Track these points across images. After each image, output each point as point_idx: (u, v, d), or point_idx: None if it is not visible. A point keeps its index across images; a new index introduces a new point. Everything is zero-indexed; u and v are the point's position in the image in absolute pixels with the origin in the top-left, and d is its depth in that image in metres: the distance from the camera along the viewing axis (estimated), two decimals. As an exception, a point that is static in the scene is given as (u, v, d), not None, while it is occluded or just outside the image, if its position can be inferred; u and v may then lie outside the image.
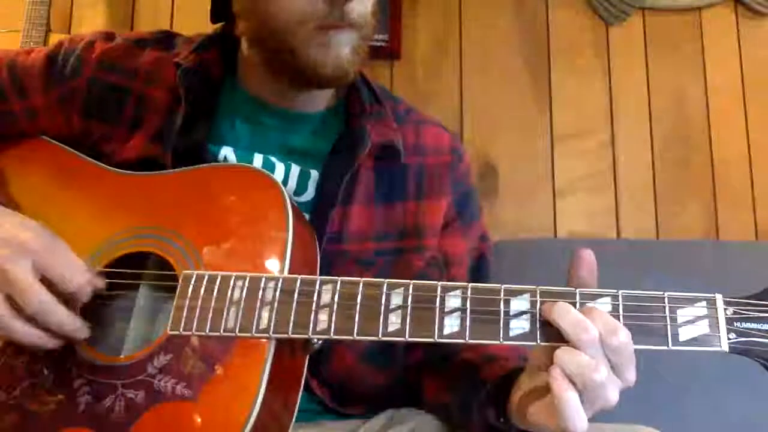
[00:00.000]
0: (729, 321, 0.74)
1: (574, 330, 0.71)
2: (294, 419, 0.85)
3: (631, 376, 0.73)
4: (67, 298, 0.85)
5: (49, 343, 0.84)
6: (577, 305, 0.74)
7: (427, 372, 1.05)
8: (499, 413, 0.85)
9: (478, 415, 0.89)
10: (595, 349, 0.71)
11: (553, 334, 0.73)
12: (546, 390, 0.74)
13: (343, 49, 0.94)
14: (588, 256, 0.77)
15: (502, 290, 0.76)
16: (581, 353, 0.70)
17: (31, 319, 0.82)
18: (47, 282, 0.83)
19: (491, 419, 0.86)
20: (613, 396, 0.72)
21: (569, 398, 0.70)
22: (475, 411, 0.89)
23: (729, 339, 0.73)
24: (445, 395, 1.00)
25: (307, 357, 0.86)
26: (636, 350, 0.73)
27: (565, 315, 0.72)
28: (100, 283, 0.88)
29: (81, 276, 0.86)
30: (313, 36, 0.93)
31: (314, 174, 1.04)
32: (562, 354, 0.71)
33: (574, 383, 0.70)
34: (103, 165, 1.02)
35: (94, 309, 0.90)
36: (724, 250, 1.93)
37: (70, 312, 0.84)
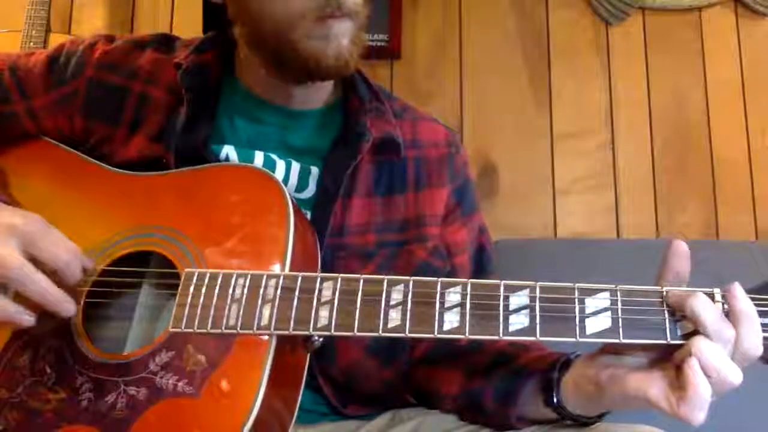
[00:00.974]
0: (727, 315, 0.73)
1: (714, 325, 0.71)
2: (295, 417, 0.86)
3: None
4: (58, 280, 0.86)
5: (26, 317, 0.84)
6: (576, 300, 0.75)
7: (444, 364, 1.05)
8: (551, 397, 0.86)
9: (528, 400, 0.90)
10: (728, 348, 0.72)
11: (551, 328, 0.74)
12: (641, 369, 0.76)
13: (342, 40, 0.95)
14: (681, 247, 0.77)
15: (502, 286, 0.76)
16: (722, 350, 0.71)
17: (16, 295, 0.83)
18: (36, 263, 0.84)
19: (541, 405, 0.87)
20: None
21: (704, 394, 0.70)
22: (523, 396, 0.91)
23: None
24: (476, 383, 0.99)
25: (308, 354, 0.87)
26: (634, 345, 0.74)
27: (706, 308, 0.72)
28: (89, 263, 0.90)
29: (67, 253, 0.86)
30: (312, 28, 0.94)
31: (315, 170, 1.05)
32: (705, 346, 0.71)
33: (708, 375, 0.71)
34: (105, 165, 1.03)
35: (98, 307, 0.91)
36: (724, 250, 1.93)
37: (53, 284, 0.85)
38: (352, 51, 0.97)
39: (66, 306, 0.86)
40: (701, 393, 0.70)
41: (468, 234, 1.13)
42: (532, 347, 0.98)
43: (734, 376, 0.71)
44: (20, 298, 0.84)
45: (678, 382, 0.72)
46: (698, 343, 0.71)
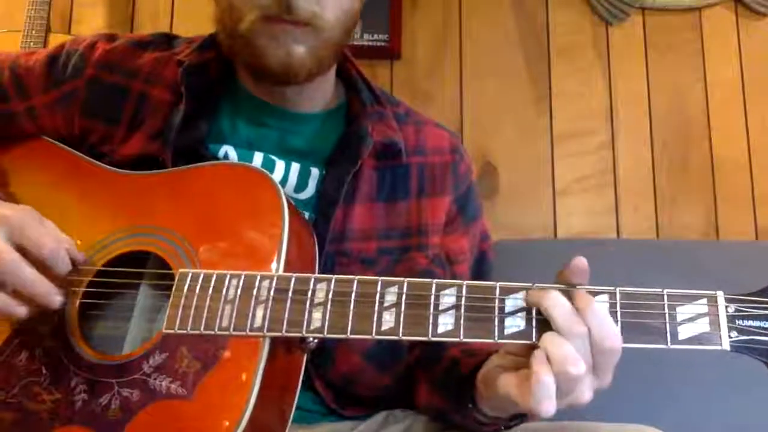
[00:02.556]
0: (730, 319, 0.72)
1: (565, 321, 0.70)
2: (291, 418, 0.85)
3: (608, 378, 0.72)
4: (47, 271, 0.85)
5: (18, 309, 0.84)
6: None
7: (420, 372, 1.05)
8: (468, 400, 0.85)
9: (467, 412, 0.89)
10: (582, 343, 0.70)
11: (547, 329, 0.72)
12: (512, 367, 0.75)
13: (295, 47, 0.93)
14: (581, 264, 0.75)
15: (498, 288, 0.75)
16: (567, 342, 0.70)
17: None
18: (25, 253, 0.84)
19: (464, 409, 0.86)
20: (587, 394, 0.71)
21: (545, 382, 0.69)
22: (465, 410, 0.89)
23: (730, 337, 0.72)
24: (435, 397, 0.99)
25: (305, 356, 0.86)
26: (635, 349, 0.72)
27: (556, 305, 0.71)
28: (79, 255, 0.89)
29: (54, 241, 0.86)
30: (260, 25, 0.93)
31: (315, 171, 1.04)
32: (550, 338, 0.71)
33: (552, 364, 0.70)
34: (103, 165, 1.03)
35: (93, 308, 0.91)
36: (724, 250, 1.93)
37: (40, 275, 0.84)
38: (306, 62, 0.95)
39: (54, 298, 0.85)
40: (542, 381, 0.69)
41: (469, 242, 1.12)
42: (480, 350, 0.96)
43: (575, 366, 0.69)
44: (14, 292, 0.84)
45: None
46: (545, 336, 0.71)
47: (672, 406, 1.63)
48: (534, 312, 0.74)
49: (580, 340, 0.70)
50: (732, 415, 1.64)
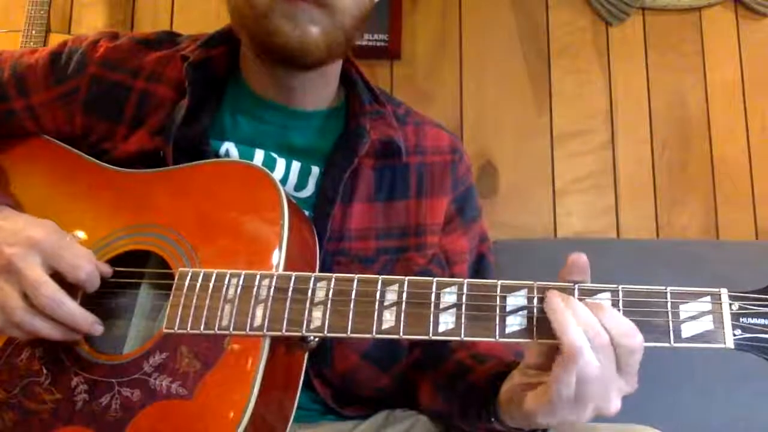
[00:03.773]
0: (734, 317, 0.72)
1: (586, 332, 0.70)
2: (293, 418, 0.85)
3: (634, 381, 0.72)
4: (77, 291, 0.87)
5: (64, 335, 0.85)
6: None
7: (422, 373, 1.05)
8: (490, 413, 0.84)
9: (477, 420, 0.88)
10: (605, 356, 0.70)
11: (549, 330, 0.72)
12: (536, 383, 0.74)
13: (310, 27, 0.93)
14: (580, 260, 0.75)
15: (499, 286, 0.75)
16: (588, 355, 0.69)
17: (44, 315, 0.83)
18: (58, 277, 0.85)
19: (485, 421, 0.86)
20: (615, 402, 0.71)
21: (564, 397, 0.69)
22: (473, 416, 0.89)
23: (734, 335, 0.71)
24: (439, 400, 0.99)
25: (306, 355, 0.86)
26: None
27: (576, 314, 0.70)
28: (107, 269, 0.90)
29: (89, 264, 0.87)
30: (279, 5, 0.92)
31: (315, 170, 1.04)
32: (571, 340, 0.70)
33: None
34: (103, 163, 1.03)
35: (95, 307, 0.91)
36: (724, 250, 1.93)
37: (81, 308, 0.85)
38: (320, 42, 0.94)
39: (96, 327, 0.86)
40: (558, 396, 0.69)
41: (468, 242, 1.12)
42: (488, 358, 0.96)
43: (592, 374, 0.69)
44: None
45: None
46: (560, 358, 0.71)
47: (672, 406, 1.63)
48: (535, 311, 0.73)
49: (603, 350, 0.69)
50: (732, 415, 1.64)
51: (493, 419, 0.84)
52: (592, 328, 0.70)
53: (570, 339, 0.69)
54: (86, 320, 0.85)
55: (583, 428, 0.90)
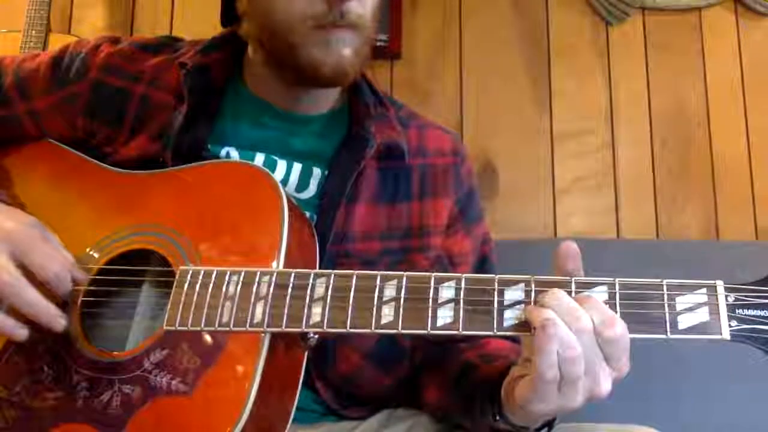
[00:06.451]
0: (730, 308, 0.73)
1: (566, 317, 0.70)
2: (292, 416, 0.85)
3: (624, 365, 0.72)
4: (48, 292, 0.86)
5: (19, 331, 0.85)
6: (573, 294, 0.74)
7: (428, 374, 1.05)
8: (495, 411, 0.85)
9: (481, 418, 0.88)
10: (588, 338, 0.70)
11: None
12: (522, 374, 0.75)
13: (344, 50, 0.95)
14: (570, 248, 0.76)
15: (496, 280, 0.75)
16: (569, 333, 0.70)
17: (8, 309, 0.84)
18: (28, 273, 0.85)
19: (491, 420, 0.86)
20: (605, 385, 0.71)
21: (548, 377, 0.70)
22: (477, 414, 0.89)
23: (730, 326, 0.72)
24: (444, 399, 0.99)
25: (306, 353, 0.86)
26: (634, 340, 0.72)
27: (558, 303, 0.71)
28: (81, 275, 0.90)
29: (57, 265, 0.87)
30: (312, 34, 0.94)
31: (316, 171, 1.05)
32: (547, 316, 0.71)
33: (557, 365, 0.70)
34: (103, 164, 1.03)
35: (95, 306, 0.91)
36: (724, 250, 1.93)
37: (43, 297, 0.85)
38: (354, 63, 0.96)
39: (57, 320, 0.86)
40: (544, 378, 0.70)
41: (471, 243, 1.12)
42: (496, 357, 0.96)
43: (572, 355, 0.70)
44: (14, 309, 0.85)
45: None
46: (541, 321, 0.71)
47: (672, 406, 1.63)
48: (533, 304, 0.74)
49: (585, 334, 0.70)
50: (732, 415, 1.64)
51: (498, 417, 0.84)
52: (574, 311, 0.71)
53: (537, 314, 0.71)
54: (48, 311, 0.85)
55: (584, 429, 0.91)
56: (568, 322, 0.70)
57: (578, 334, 0.70)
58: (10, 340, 0.88)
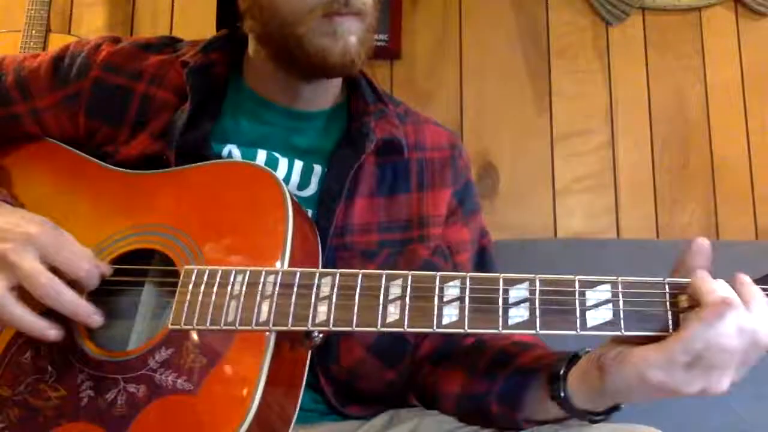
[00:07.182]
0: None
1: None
2: (296, 414, 0.85)
3: (744, 374, 0.74)
4: (75, 287, 0.86)
5: (50, 332, 0.84)
6: (576, 292, 0.75)
7: (445, 363, 1.04)
8: (557, 390, 0.84)
9: (535, 398, 0.89)
10: (749, 338, 0.72)
11: (551, 321, 0.74)
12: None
13: (350, 38, 0.96)
14: (704, 245, 0.78)
15: (501, 279, 0.76)
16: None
17: (41, 308, 0.83)
18: (55, 271, 0.84)
19: (548, 402, 0.86)
20: (725, 381, 0.73)
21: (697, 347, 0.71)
22: (529, 396, 0.89)
23: None
24: (478, 386, 0.98)
25: (310, 351, 0.87)
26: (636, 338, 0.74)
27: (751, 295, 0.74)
28: (107, 269, 0.90)
29: (87, 262, 0.87)
30: (319, 24, 0.95)
31: (317, 169, 1.06)
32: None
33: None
34: (106, 164, 1.03)
35: (99, 305, 0.91)
36: (724, 250, 1.92)
37: (80, 297, 0.85)
38: (360, 50, 0.98)
39: (94, 318, 0.86)
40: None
41: (470, 233, 1.13)
42: (535, 345, 0.97)
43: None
44: (33, 302, 0.84)
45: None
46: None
47: (672, 406, 1.63)
48: (537, 302, 0.75)
49: (746, 333, 0.72)
50: (732, 415, 1.64)
51: (562, 394, 0.84)
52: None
53: (719, 296, 0.73)
54: (86, 310, 0.85)
55: (584, 429, 0.90)
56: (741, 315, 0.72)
57: (740, 332, 0.71)
58: (35, 339, 0.87)
